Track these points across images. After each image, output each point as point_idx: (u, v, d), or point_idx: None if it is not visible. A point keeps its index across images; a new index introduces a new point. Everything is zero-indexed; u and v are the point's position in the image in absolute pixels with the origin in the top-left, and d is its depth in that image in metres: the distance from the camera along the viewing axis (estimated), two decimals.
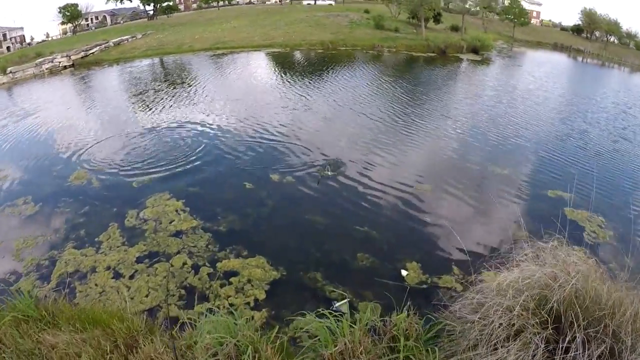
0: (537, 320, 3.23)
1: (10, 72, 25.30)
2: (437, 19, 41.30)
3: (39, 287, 7.14)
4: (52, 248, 8.29)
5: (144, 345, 4.66)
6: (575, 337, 3.07)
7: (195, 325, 4.50)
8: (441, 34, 36.11)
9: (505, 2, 51.42)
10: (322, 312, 4.24)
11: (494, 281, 3.69)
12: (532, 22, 56.72)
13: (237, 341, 3.94)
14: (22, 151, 14.12)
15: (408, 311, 4.21)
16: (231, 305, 6.25)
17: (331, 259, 7.22)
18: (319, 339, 4.01)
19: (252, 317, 5.88)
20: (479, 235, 7.91)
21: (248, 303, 6.26)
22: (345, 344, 3.81)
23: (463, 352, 3.51)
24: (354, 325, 4.08)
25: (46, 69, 27.46)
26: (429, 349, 3.80)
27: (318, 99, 17.55)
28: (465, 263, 5.52)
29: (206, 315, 4.45)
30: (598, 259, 4.05)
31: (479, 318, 3.43)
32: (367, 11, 47.71)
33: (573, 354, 3.02)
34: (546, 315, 3.26)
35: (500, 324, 3.24)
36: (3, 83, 24.72)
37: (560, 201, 9.23)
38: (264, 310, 6.09)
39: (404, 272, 6.61)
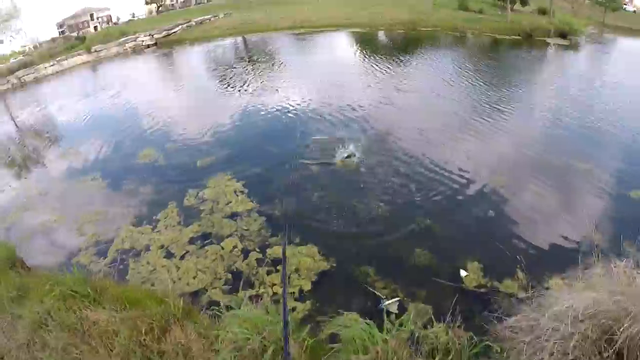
0: (597, 353, 2.67)
1: (95, 50, 27.55)
2: (524, 0, 38.79)
3: (96, 261, 7.69)
4: (112, 224, 8.88)
5: (177, 331, 4.71)
6: None
7: (220, 316, 4.44)
8: (527, 17, 33.84)
9: None
10: (369, 310, 3.93)
11: (556, 296, 3.14)
12: (628, 7, 50.64)
13: (263, 338, 3.80)
14: (98, 127, 15.49)
15: (453, 321, 3.76)
16: (275, 294, 6.17)
17: (386, 253, 6.82)
18: (350, 343, 3.74)
19: (294, 309, 5.76)
20: (550, 236, 7.03)
21: (292, 293, 6.13)
22: (377, 352, 3.50)
23: None
24: (391, 331, 3.74)
25: (129, 47, 29.54)
26: None
27: (398, 82, 16.93)
28: (532, 267, 4.86)
29: (229, 308, 4.36)
30: None
31: (530, 340, 2.93)
32: None
33: None
34: (609, 349, 2.69)
35: (553, 352, 2.73)
36: (87, 61, 27.01)
37: None
38: (307, 302, 5.92)
39: (462, 273, 6.05)
